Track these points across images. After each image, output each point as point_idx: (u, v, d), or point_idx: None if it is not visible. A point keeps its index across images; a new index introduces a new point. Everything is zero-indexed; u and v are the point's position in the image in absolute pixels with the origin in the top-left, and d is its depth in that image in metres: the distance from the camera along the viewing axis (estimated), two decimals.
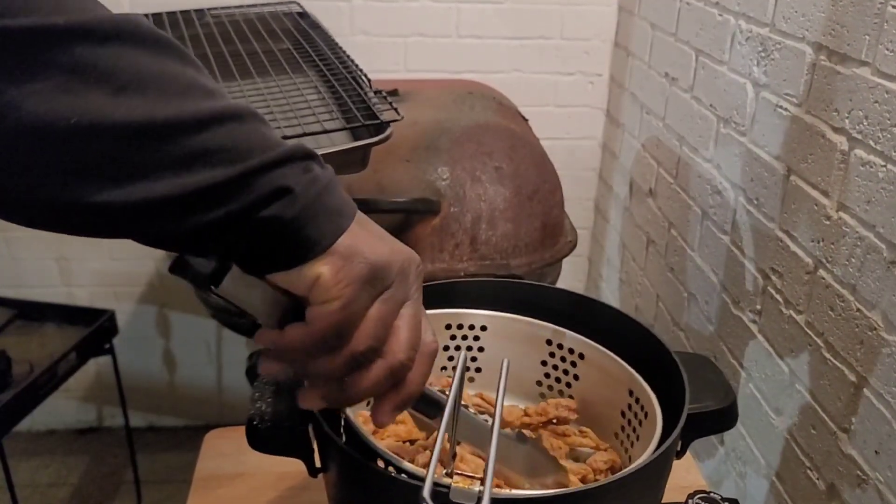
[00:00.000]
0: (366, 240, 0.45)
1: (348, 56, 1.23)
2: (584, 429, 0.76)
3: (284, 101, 1.08)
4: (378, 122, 0.98)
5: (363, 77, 1.12)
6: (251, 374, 1.59)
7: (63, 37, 0.34)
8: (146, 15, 1.42)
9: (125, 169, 0.37)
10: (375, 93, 1.07)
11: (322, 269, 0.43)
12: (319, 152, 0.93)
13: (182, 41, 1.32)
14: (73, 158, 0.35)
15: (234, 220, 0.41)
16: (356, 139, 1.02)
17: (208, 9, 1.45)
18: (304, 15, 1.48)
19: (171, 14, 1.42)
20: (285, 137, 0.95)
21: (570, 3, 1.92)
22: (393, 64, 1.92)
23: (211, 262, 0.44)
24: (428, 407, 0.53)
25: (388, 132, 0.98)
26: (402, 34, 1.90)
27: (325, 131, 0.96)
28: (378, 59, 1.91)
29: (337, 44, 1.31)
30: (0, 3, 0.33)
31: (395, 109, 1.01)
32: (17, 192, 0.36)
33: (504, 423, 0.74)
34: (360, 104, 1.02)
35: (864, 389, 1.01)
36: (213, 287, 0.44)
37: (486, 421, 0.60)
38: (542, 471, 0.64)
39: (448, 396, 0.53)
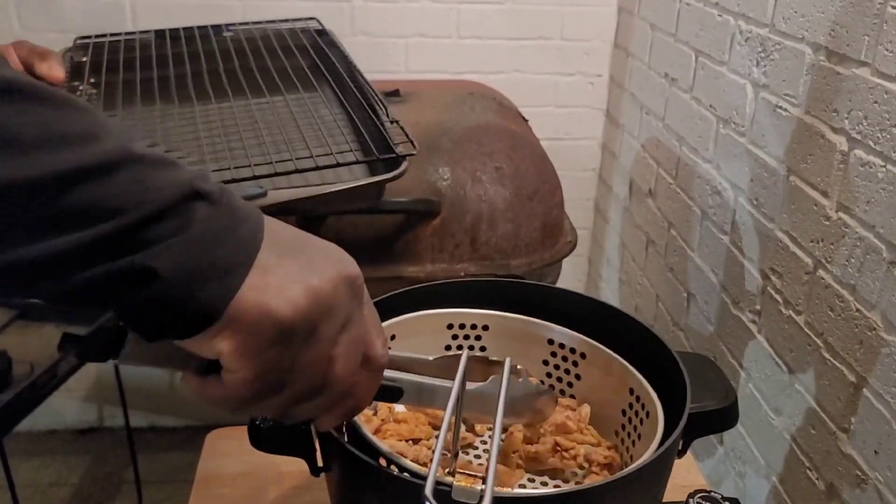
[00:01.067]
0: (274, 290, 0.39)
1: (364, 78, 1.21)
2: (586, 426, 0.76)
3: (295, 127, 1.07)
4: (394, 156, 0.96)
5: (380, 103, 1.09)
6: None
7: None
8: (162, 31, 1.41)
9: None
10: (392, 122, 1.04)
11: (221, 345, 0.38)
12: (332, 189, 0.92)
13: (196, 57, 1.31)
14: None
15: (97, 300, 0.36)
16: (371, 171, 1.00)
17: (226, 25, 1.45)
18: (322, 32, 1.48)
19: (188, 29, 1.42)
20: (299, 171, 0.94)
21: (570, 4, 1.93)
22: (394, 64, 1.93)
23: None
24: (386, 395, 0.53)
25: (403, 167, 0.95)
26: (403, 35, 1.90)
27: (338, 164, 0.93)
28: (379, 60, 1.91)
29: (353, 63, 1.30)
30: None
31: (412, 142, 0.97)
32: None
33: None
34: (376, 135, 0.99)
35: (864, 389, 1.02)
36: (112, 360, 0.39)
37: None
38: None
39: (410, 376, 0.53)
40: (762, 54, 1.28)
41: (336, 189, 0.93)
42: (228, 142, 1.03)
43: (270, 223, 0.41)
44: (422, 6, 1.88)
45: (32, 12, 1.76)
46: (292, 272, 0.40)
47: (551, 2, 1.92)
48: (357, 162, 0.97)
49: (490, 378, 0.60)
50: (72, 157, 0.33)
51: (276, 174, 0.92)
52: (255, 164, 0.94)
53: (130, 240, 0.35)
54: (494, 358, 0.59)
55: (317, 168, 0.94)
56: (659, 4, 1.72)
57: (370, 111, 1.09)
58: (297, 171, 0.94)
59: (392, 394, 0.54)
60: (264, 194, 0.88)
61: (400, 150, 0.96)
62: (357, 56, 1.90)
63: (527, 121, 1.59)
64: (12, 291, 0.35)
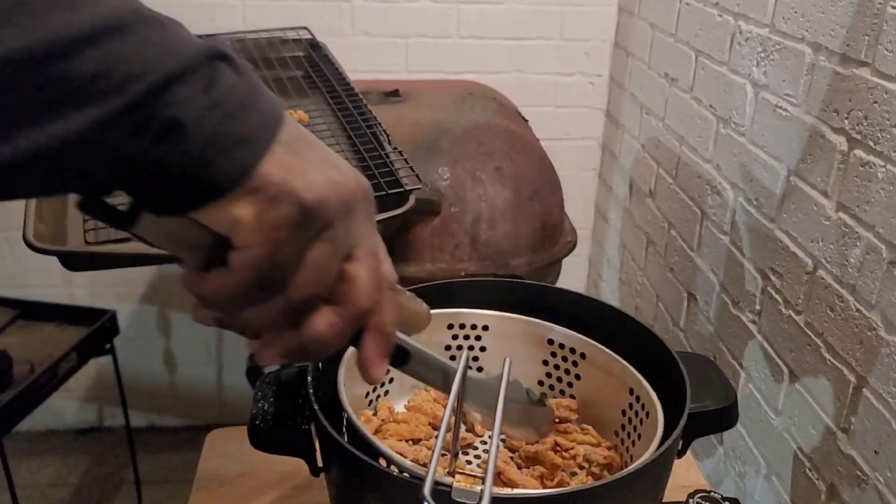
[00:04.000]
0: (298, 170, 0.37)
1: (364, 102, 1.19)
2: (586, 426, 0.77)
3: None
4: (402, 190, 0.94)
5: (383, 132, 1.07)
6: (251, 374, 1.60)
7: None
8: None
9: None
10: (394, 150, 1.02)
11: (240, 211, 0.36)
12: None
13: None
14: None
15: (128, 164, 0.34)
16: (377, 207, 0.99)
17: (219, 35, 1.45)
18: (315, 45, 1.48)
19: None
20: None
21: (570, 4, 1.93)
22: (394, 64, 1.93)
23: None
24: (395, 355, 0.50)
25: (410, 202, 0.93)
26: (403, 35, 1.90)
27: None
28: (379, 60, 1.91)
29: (349, 82, 1.28)
30: None
31: (418, 176, 0.96)
32: None
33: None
34: (382, 168, 0.97)
35: (864, 389, 1.02)
36: (128, 227, 0.38)
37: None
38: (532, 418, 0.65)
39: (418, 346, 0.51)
40: (762, 54, 1.28)
41: None
42: None
43: (288, 117, 0.39)
44: (422, 6, 1.88)
45: None
46: (315, 160, 0.38)
47: (551, 2, 1.92)
48: None
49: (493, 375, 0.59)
50: (84, 16, 0.31)
51: None
52: None
53: (158, 98, 0.33)
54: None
55: None
56: (659, 4, 1.72)
57: (375, 141, 1.06)
58: None
59: (401, 355, 0.50)
60: None
61: (406, 183, 0.94)
62: (357, 56, 1.91)
63: (527, 121, 1.59)
64: (40, 182, 0.33)
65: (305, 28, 1.52)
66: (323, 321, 0.40)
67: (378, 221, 1.00)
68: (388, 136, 1.05)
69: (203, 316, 0.41)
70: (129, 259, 0.80)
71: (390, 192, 0.94)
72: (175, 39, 0.34)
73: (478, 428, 0.78)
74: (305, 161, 0.38)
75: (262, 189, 0.36)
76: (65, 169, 0.33)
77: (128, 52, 0.32)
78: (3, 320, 1.79)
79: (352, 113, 1.17)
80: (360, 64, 1.91)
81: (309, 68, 1.38)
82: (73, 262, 0.83)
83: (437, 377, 0.54)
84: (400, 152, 1.02)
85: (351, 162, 1.07)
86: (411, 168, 0.97)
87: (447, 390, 0.53)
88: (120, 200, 0.37)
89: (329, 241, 0.39)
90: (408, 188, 0.93)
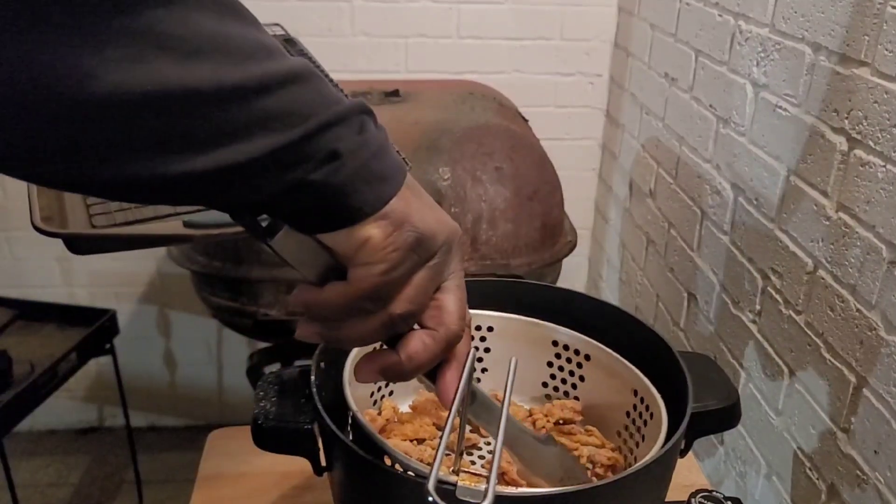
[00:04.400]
0: (416, 207, 0.45)
1: (343, 91, 1.23)
2: (590, 427, 0.77)
3: None
4: None
5: None
6: (251, 373, 1.60)
7: (128, 3, 0.34)
8: None
9: (191, 139, 0.37)
10: None
11: (373, 231, 0.44)
12: None
13: None
14: (144, 129, 0.35)
15: (290, 185, 0.41)
16: None
17: None
18: (291, 41, 1.49)
19: None
20: None
21: (570, 4, 1.93)
22: (394, 64, 1.93)
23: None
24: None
25: None
26: (403, 35, 1.90)
27: None
28: (379, 60, 1.92)
29: (328, 74, 1.31)
30: None
31: (405, 159, 1.01)
32: (92, 166, 0.36)
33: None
34: None
35: (864, 389, 1.02)
36: (266, 240, 0.44)
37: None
38: (569, 475, 0.66)
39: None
40: (762, 54, 1.28)
41: None
42: None
43: None
44: (422, 6, 1.88)
45: None
46: (427, 203, 0.47)
47: (551, 2, 1.92)
48: None
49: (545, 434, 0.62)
50: (282, 66, 0.39)
51: None
52: None
53: (324, 133, 0.41)
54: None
55: None
56: (659, 4, 1.72)
57: None
58: None
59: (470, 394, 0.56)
60: None
61: None
62: (357, 56, 1.91)
63: (527, 121, 1.60)
64: (220, 191, 0.40)
65: (278, 24, 1.52)
66: (418, 341, 0.48)
67: None
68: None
69: (309, 331, 0.48)
70: (135, 240, 0.81)
71: None
72: (335, 93, 0.42)
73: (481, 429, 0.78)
74: (421, 202, 0.47)
75: (390, 217, 0.44)
76: (241, 183, 0.39)
77: (306, 97, 0.40)
78: (3, 320, 1.79)
79: None
80: (360, 64, 1.91)
81: None
82: (81, 244, 0.84)
83: (493, 420, 0.57)
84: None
85: None
86: (398, 152, 1.01)
87: (495, 432, 0.55)
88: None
89: (431, 269, 0.47)
90: None
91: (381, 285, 0.45)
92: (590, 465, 0.72)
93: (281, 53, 0.40)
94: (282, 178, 0.40)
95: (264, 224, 0.44)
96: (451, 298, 0.49)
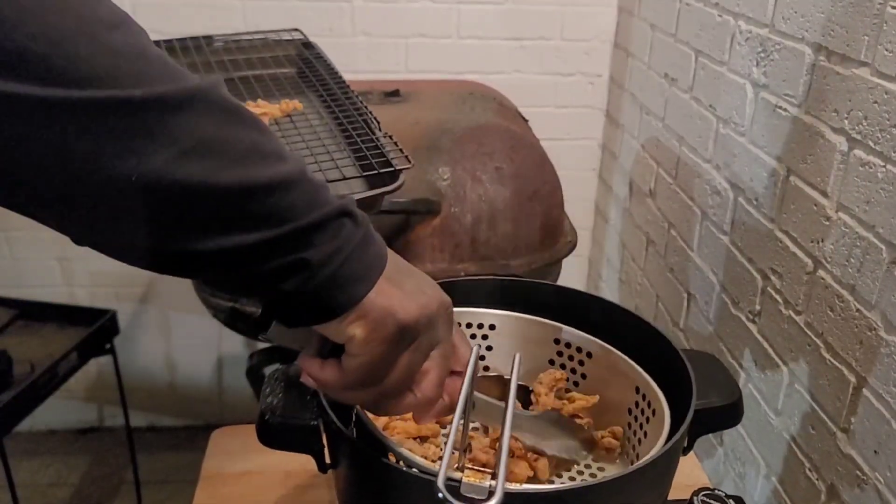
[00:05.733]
0: (397, 298, 0.49)
1: (355, 93, 1.26)
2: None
3: (300, 140, 1.11)
4: (392, 169, 1.01)
5: (373, 119, 1.14)
6: (251, 374, 1.60)
7: (139, 106, 0.38)
8: (158, 42, 1.43)
9: (169, 225, 0.41)
10: (385, 136, 1.10)
11: (355, 330, 0.48)
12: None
13: (193, 67, 1.34)
14: (136, 211, 0.40)
15: (262, 285, 0.45)
16: (368, 184, 1.04)
17: (216, 36, 1.49)
18: (308, 45, 1.50)
19: (182, 40, 1.45)
20: None
21: (570, 4, 1.93)
22: (394, 64, 1.93)
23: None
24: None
25: (400, 181, 1.00)
26: (403, 35, 1.91)
27: (344, 178, 0.99)
28: (379, 60, 1.92)
29: (341, 77, 1.33)
30: (103, 75, 0.38)
31: (407, 157, 1.04)
32: (82, 238, 0.42)
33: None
34: (373, 150, 1.05)
35: (864, 389, 1.02)
36: (259, 334, 0.50)
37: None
38: (571, 440, 0.71)
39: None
40: (762, 54, 1.28)
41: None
42: None
43: (389, 251, 0.51)
44: (422, 6, 1.88)
45: None
46: (408, 289, 0.50)
47: (551, 2, 1.92)
48: (361, 175, 1.01)
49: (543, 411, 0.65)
50: (268, 172, 0.42)
51: None
52: None
53: (298, 240, 0.44)
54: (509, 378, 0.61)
55: (327, 182, 0.96)
56: (659, 4, 1.72)
57: (367, 127, 1.12)
58: None
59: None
60: None
61: (396, 163, 1.01)
62: (357, 56, 1.91)
63: (527, 121, 1.60)
64: (206, 274, 0.44)
65: (297, 30, 1.53)
66: (405, 405, 0.54)
67: (372, 197, 1.03)
68: (378, 122, 1.12)
69: (311, 384, 0.53)
70: None
71: (381, 171, 1.01)
72: (320, 198, 0.45)
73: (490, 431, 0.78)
74: (402, 290, 0.50)
75: (370, 313, 0.48)
76: (229, 267, 0.44)
77: (291, 201, 0.44)
78: (3, 320, 1.79)
79: (344, 104, 1.21)
80: (360, 64, 1.91)
81: (303, 65, 1.41)
82: None
83: (496, 416, 0.61)
84: (390, 137, 1.08)
85: (343, 147, 1.11)
86: (401, 150, 1.04)
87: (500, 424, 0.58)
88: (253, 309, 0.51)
89: (416, 350, 0.51)
90: (398, 168, 0.99)
91: (370, 373, 0.50)
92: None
93: (276, 158, 0.43)
94: (256, 274, 0.44)
95: (256, 316, 0.49)
96: (432, 369, 0.53)
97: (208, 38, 1.47)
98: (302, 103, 1.24)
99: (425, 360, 0.53)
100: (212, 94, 0.42)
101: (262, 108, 1.18)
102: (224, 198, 0.41)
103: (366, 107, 1.18)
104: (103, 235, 0.42)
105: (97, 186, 0.38)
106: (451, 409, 0.55)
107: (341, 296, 0.47)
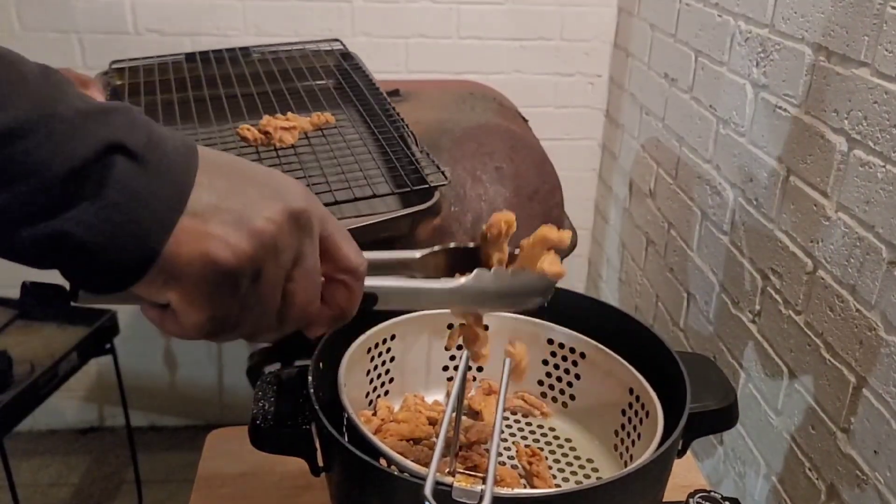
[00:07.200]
0: (214, 237, 0.38)
1: (393, 106, 1.24)
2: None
3: (331, 155, 1.09)
4: (427, 186, 0.98)
5: (410, 133, 1.12)
6: (251, 374, 1.60)
7: None
8: (193, 54, 1.44)
9: None
10: (421, 151, 1.07)
11: (168, 294, 0.39)
12: (367, 222, 0.92)
13: (228, 80, 1.36)
14: None
15: (37, 258, 0.36)
16: (403, 201, 1.02)
17: (253, 47, 1.49)
18: (347, 55, 1.50)
19: (217, 52, 1.45)
20: (335, 203, 0.95)
21: (569, 4, 1.93)
22: (394, 65, 1.93)
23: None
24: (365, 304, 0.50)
25: (435, 198, 0.97)
26: (403, 35, 1.90)
27: (375, 196, 0.96)
28: (379, 60, 1.91)
29: (378, 89, 1.32)
30: None
31: (443, 172, 1.00)
32: None
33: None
34: (408, 166, 1.02)
35: (864, 389, 1.02)
36: (73, 302, 0.41)
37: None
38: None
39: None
40: (762, 54, 1.28)
41: (371, 223, 0.95)
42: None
43: (208, 158, 0.40)
44: (422, 6, 1.88)
45: (32, 12, 1.76)
46: (233, 215, 0.39)
47: (551, 2, 1.92)
48: (392, 193, 0.99)
49: (474, 271, 0.57)
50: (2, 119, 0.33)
51: None
52: None
53: (48, 201, 0.34)
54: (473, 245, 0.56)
55: (355, 199, 0.96)
56: (659, 4, 1.72)
57: (402, 143, 1.10)
58: (336, 202, 0.95)
59: (364, 301, 0.49)
60: None
61: (431, 180, 0.98)
62: (357, 56, 1.90)
63: (527, 121, 1.59)
64: None
65: (338, 40, 1.54)
66: (283, 330, 0.44)
67: (405, 216, 1.02)
68: (415, 137, 1.09)
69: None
70: None
71: (415, 187, 0.99)
72: (75, 137, 0.35)
73: (479, 428, 0.78)
74: (223, 221, 0.38)
75: (181, 270, 0.37)
76: None
77: (24, 152, 0.34)
78: (3, 320, 1.79)
79: (380, 117, 1.20)
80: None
81: (340, 77, 1.41)
82: None
83: (421, 301, 0.54)
84: (427, 153, 1.06)
85: (379, 162, 1.09)
86: (437, 166, 1.01)
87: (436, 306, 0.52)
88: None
89: (264, 284, 0.40)
90: (432, 185, 0.97)
91: (212, 327, 0.40)
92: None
93: (8, 104, 0.34)
94: (21, 250, 0.35)
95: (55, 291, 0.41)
96: (296, 288, 0.42)
97: (245, 50, 1.48)
98: (337, 116, 1.23)
99: (285, 284, 0.42)
100: None
101: (291, 122, 1.18)
102: None
103: (402, 120, 1.16)
104: None
105: None
106: (344, 318, 0.46)
107: (126, 258, 0.36)
